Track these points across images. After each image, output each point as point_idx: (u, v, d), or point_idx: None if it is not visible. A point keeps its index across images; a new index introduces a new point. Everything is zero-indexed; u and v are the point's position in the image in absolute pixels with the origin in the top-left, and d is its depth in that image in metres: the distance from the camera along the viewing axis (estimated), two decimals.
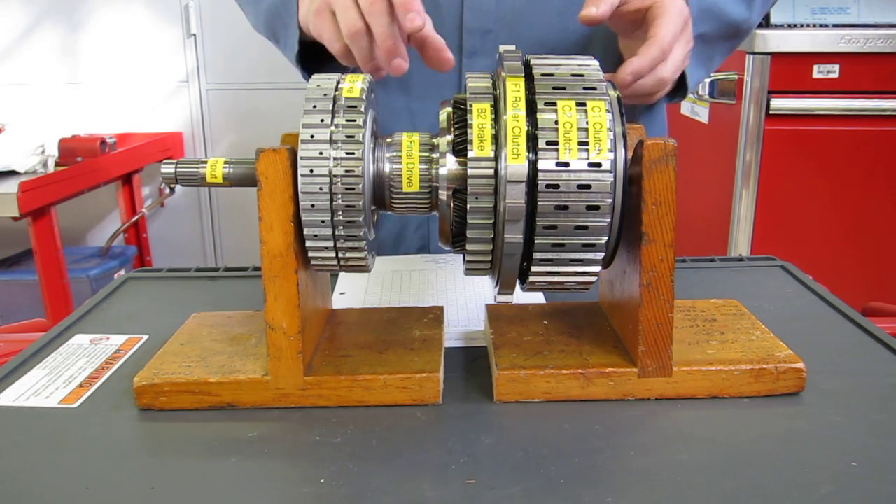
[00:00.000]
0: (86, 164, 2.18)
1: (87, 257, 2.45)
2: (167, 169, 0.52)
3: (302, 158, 0.48)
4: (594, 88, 0.47)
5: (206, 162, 0.52)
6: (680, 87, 0.75)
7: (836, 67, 1.67)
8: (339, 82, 0.50)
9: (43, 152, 2.12)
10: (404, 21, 0.56)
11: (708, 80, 1.77)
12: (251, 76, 2.60)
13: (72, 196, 2.14)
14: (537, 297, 0.69)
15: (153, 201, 2.74)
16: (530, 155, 0.46)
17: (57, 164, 2.13)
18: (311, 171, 0.48)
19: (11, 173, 2.04)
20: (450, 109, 0.50)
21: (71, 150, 2.16)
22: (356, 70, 0.60)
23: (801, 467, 0.43)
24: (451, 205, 0.49)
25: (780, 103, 1.69)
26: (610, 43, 0.76)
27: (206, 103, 2.67)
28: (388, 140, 0.52)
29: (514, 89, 0.47)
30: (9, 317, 2.18)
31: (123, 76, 2.64)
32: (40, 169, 2.09)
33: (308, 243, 0.49)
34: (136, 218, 2.62)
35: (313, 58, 0.76)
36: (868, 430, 0.47)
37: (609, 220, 0.47)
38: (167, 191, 2.73)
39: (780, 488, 0.42)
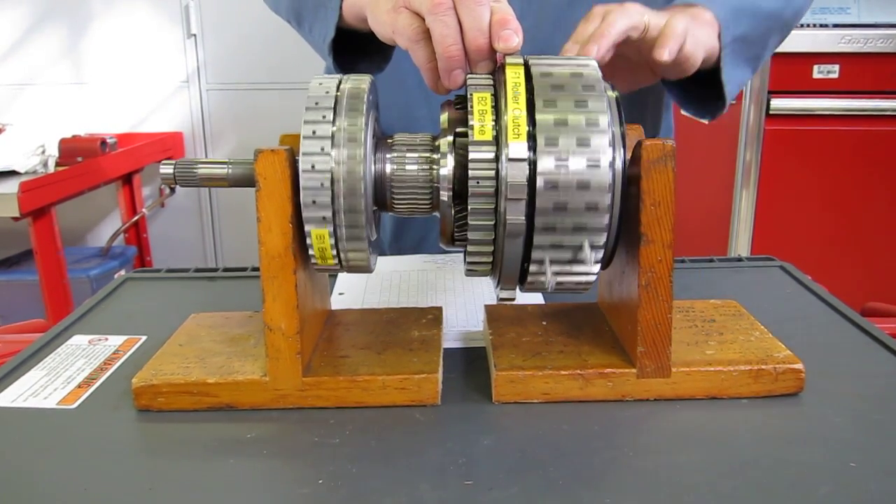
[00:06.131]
0: (86, 164, 2.18)
1: (87, 257, 2.45)
2: (166, 169, 0.52)
3: (304, 160, 0.48)
4: (593, 87, 0.47)
5: (204, 162, 0.52)
6: (718, 96, 0.69)
7: (836, 67, 1.67)
8: (340, 83, 0.50)
9: (43, 152, 2.12)
10: (497, 37, 0.50)
11: None
12: (251, 76, 2.60)
13: (72, 196, 2.14)
14: (536, 298, 0.69)
15: (153, 201, 2.74)
16: (531, 154, 0.46)
17: (57, 165, 2.13)
18: (313, 172, 0.47)
19: (12, 173, 2.04)
20: (451, 110, 0.50)
21: (71, 151, 2.16)
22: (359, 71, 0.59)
23: (800, 467, 0.43)
24: (452, 203, 0.49)
25: (780, 103, 1.69)
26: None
27: (207, 103, 2.67)
28: (389, 140, 0.52)
29: (514, 76, 0.48)
30: (9, 317, 2.18)
31: (124, 76, 2.64)
32: (40, 169, 2.10)
33: (310, 243, 0.49)
34: (136, 218, 2.62)
35: (342, 47, 0.71)
36: (867, 430, 0.47)
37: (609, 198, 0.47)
38: (167, 191, 2.73)
39: (779, 488, 0.42)
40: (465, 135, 0.47)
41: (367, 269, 0.52)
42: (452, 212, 0.49)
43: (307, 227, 0.49)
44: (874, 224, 1.75)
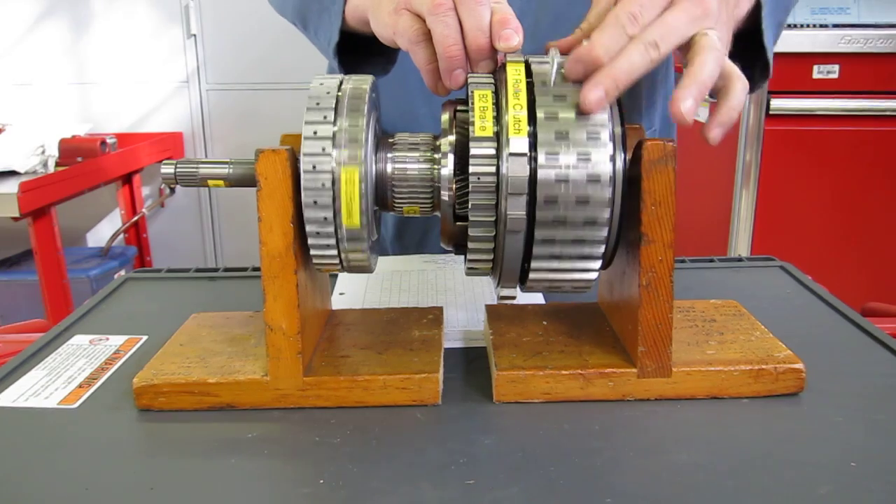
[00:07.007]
0: (86, 164, 2.18)
1: (87, 257, 2.45)
2: (167, 169, 0.52)
3: (305, 160, 0.48)
4: None
5: (205, 162, 0.52)
6: (753, 62, 0.64)
7: (836, 67, 1.67)
8: (341, 83, 0.50)
9: (43, 152, 2.12)
10: (498, 37, 0.50)
11: None
12: (251, 76, 2.60)
13: (72, 196, 2.14)
14: (537, 298, 0.69)
15: (153, 201, 2.74)
16: (531, 151, 0.46)
17: (57, 165, 2.13)
18: (314, 172, 0.47)
19: (11, 173, 2.04)
20: (452, 109, 0.51)
21: (71, 151, 2.16)
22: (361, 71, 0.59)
23: (800, 467, 0.44)
24: (454, 201, 0.49)
25: (780, 103, 1.69)
26: None
27: (206, 103, 2.67)
28: (391, 140, 0.52)
29: (515, 73, 0.48)
30: (9, 317, 2.18)
31: (124, 76, 2.65)
32: (40, 169, 2.10)
33: (311, 243, 0.49)
34: (136, 218, 2.62)
35: (347, 50, 0.70)
36: (867, 430, 0.47)
37: (610, 194, 0.47)
38: (167, 191, 2.73)
39: (779, 488, 0.42)
40: (466, 133, 0.48)
41: (367, 270, 0.52)
42: (453, 211, 0.49)
43: (308, 228, 0.49)
44: (874, 224, 1.76)
